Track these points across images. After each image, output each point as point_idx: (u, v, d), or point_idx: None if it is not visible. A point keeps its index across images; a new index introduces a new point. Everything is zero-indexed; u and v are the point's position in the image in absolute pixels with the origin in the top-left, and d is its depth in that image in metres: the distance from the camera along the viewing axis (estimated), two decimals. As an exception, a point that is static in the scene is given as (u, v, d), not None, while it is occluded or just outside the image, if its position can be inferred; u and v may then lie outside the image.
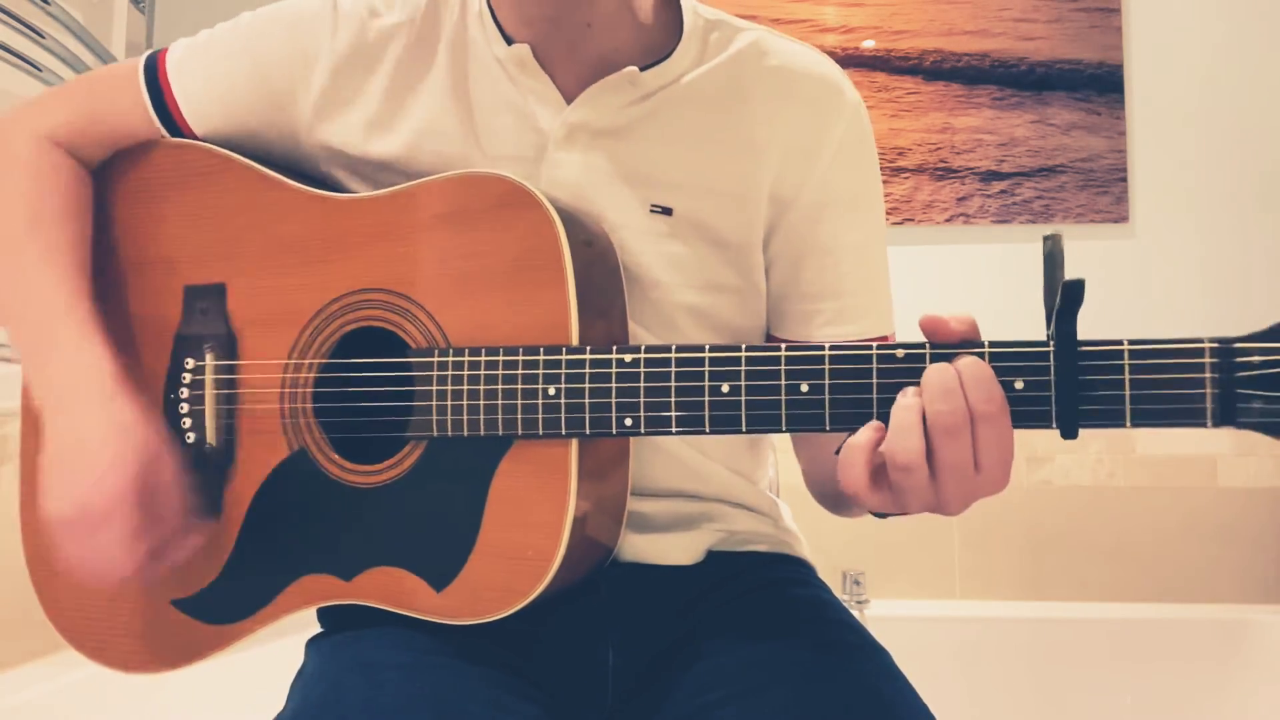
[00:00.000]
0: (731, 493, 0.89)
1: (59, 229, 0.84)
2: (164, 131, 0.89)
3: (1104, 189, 2.05)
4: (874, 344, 0.67)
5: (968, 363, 0.64)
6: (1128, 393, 0.62)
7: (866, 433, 0.66)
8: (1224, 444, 1.98)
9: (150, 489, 0.75)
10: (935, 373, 0.64)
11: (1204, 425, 0.62)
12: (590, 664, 0.82)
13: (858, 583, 1.98)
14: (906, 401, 0.64)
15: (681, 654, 0.81)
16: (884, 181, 2.05)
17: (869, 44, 2.12)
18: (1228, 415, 0.61)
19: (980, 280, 2.07)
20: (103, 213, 0.89)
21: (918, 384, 0.65)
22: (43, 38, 1.60)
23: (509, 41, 0.85)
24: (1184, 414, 0.62)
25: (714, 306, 0.86)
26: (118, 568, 0.75)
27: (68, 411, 0.78)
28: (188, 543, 0.79)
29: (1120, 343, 0.63)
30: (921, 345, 0.66)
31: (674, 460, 0.85)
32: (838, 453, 0.75)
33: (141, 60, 0.90)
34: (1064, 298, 0.61)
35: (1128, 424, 0.62)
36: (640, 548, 0.84)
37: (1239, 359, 0.61)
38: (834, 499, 0.90)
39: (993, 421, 0.63)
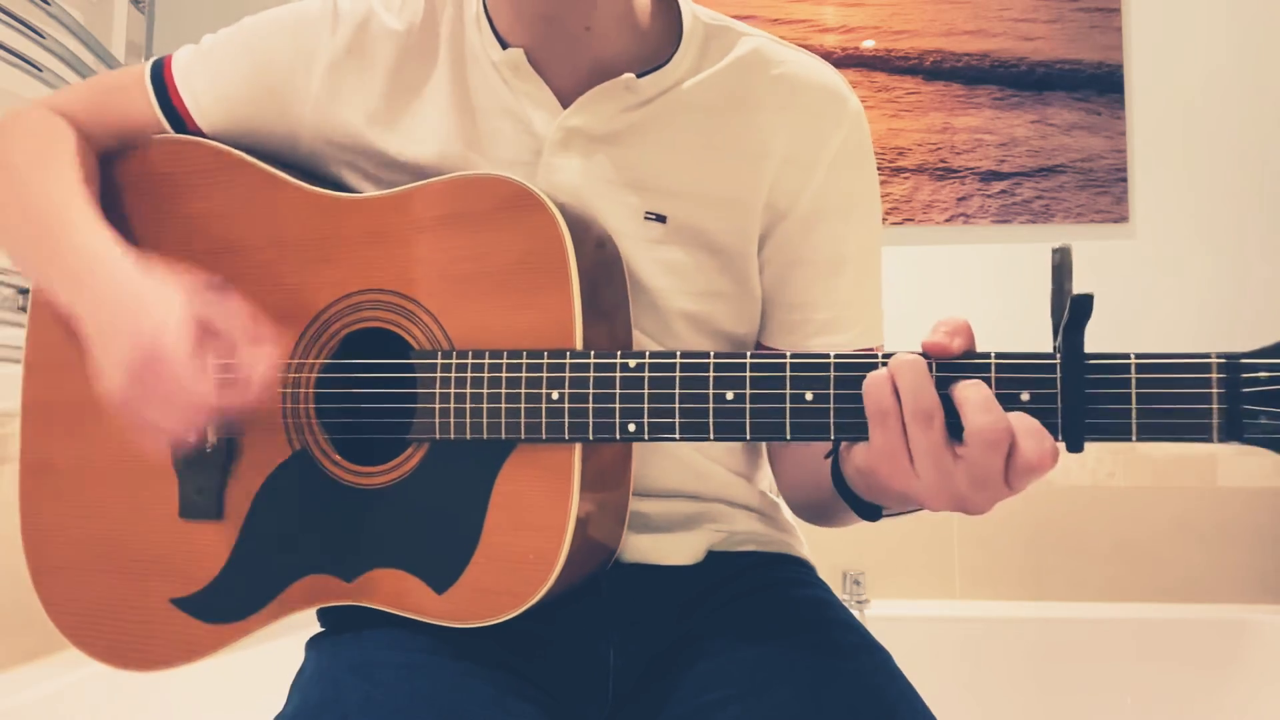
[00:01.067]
0: (732, 493, 0.89)
1: (67, 163, 0.85)
2: (170, 128, 0.90)
3: (1104, 189, 2.05)
4: (879, 354, 0.67)
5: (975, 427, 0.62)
6: (1134, 406, 0.62)
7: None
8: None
9: (209, 316, 0.74)
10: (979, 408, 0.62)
11: (1209, 440, 0.62)
12: (591, 664, 0.82)
13: (858, 583, 1.98)
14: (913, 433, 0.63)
15: (682, 654, 0.81)
16: (884, 182, 2.06)
17: (869, 44, 2.12)
18: (1234, 431, 0.61)
19: (980, 280, 2.07)
20: (105, 210, 0.88)
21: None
22: (43, 38, 1.60)
23: (504, 45, 0.85)
24: (1190, 429, 0.62)
25: (710, 313, 0.86)
26: (206, 388, 0.72)
27: (97, 287, 0.76)
28: (264, 354, 0.75)
29: (1127, 356, 0.62)
30: (926, 355, 0.66)
31: (675, 461, 0.85)
32: (828, 457, 0.75)
33: (147, 65, 0.91)
34: (1072, 311, 0.61)
35: (1134, 438, 0.62)
36: (641, 548, 0.84)
37: (1246, 374, 0.61)
38: (818, 508, 0.88)
39: (999, 445, 0.61)
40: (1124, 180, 2.05)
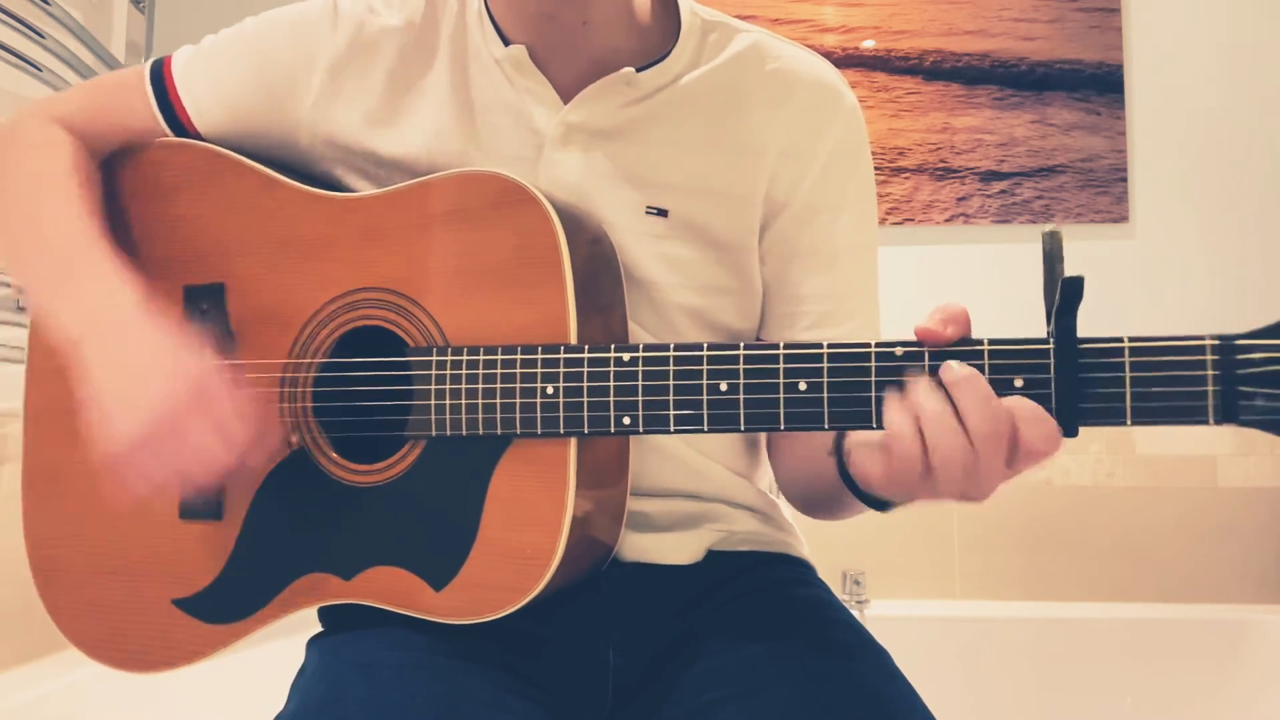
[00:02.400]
0: (731, 493, 0.89)
1: (73, 183, 0.85)
2: (169, 131, 0.89)
3: (1104, 189, 2.05)
4: (871, 342, 0.67)
5: (963, 387, 0.62)
6: (1128, 390, 0.62)
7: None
8: (1224, 444, 1.98)
9: (218, 384, 0.74)
10: (929, 401, 0.63)
11: (1205, 423, 0.61)
12: (591, 664, 0.82)
13: (858, 583, 1.98)
14: (896, 418, 0.64)
15: (682, 654, 0.81)
16: (884, 182, 2.06)
17: (869, 44, 2.12)
18: (1229, 412, 0.61)
19: (980, 280, 2.07)
20: (107, 215, 0.89)
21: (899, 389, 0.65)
22: (43, 38, 1.60)
23: (506, 42, 0.85)
24: (1185, 411, 0.62)
25: (712, 308, 0.86)
26: (209, 461, 0.73)
27: (104, 337, 0.76)
28: (273, 429, 0.77)
29: (1121, 340, 0.62)
30: (920, 343, 0.66)
31: (674, 460, 0.85)
32: (832, 455, 0.74)
33: (147, 66, 0.91)
34: (1064, 295, 0.61)
35: (1129, 421, 0.62)
36: (640, 547, 0.84)
37: (1240, 356, 0.61)
38: (820, 500, 0.88)
39: (1000, 439, 0.62)
40: (1124, 180, 2.05)
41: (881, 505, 0.73)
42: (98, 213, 0.85)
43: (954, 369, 0.63)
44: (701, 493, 0.88)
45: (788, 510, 0.97)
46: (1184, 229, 2.05)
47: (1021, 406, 0.62)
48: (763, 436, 0.95)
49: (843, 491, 0.74)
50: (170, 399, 0.72)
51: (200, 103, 0.89)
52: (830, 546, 1.92)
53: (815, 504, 0.88)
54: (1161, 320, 2.01)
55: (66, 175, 0.85)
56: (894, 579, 2.02)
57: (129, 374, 0.74)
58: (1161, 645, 1.86)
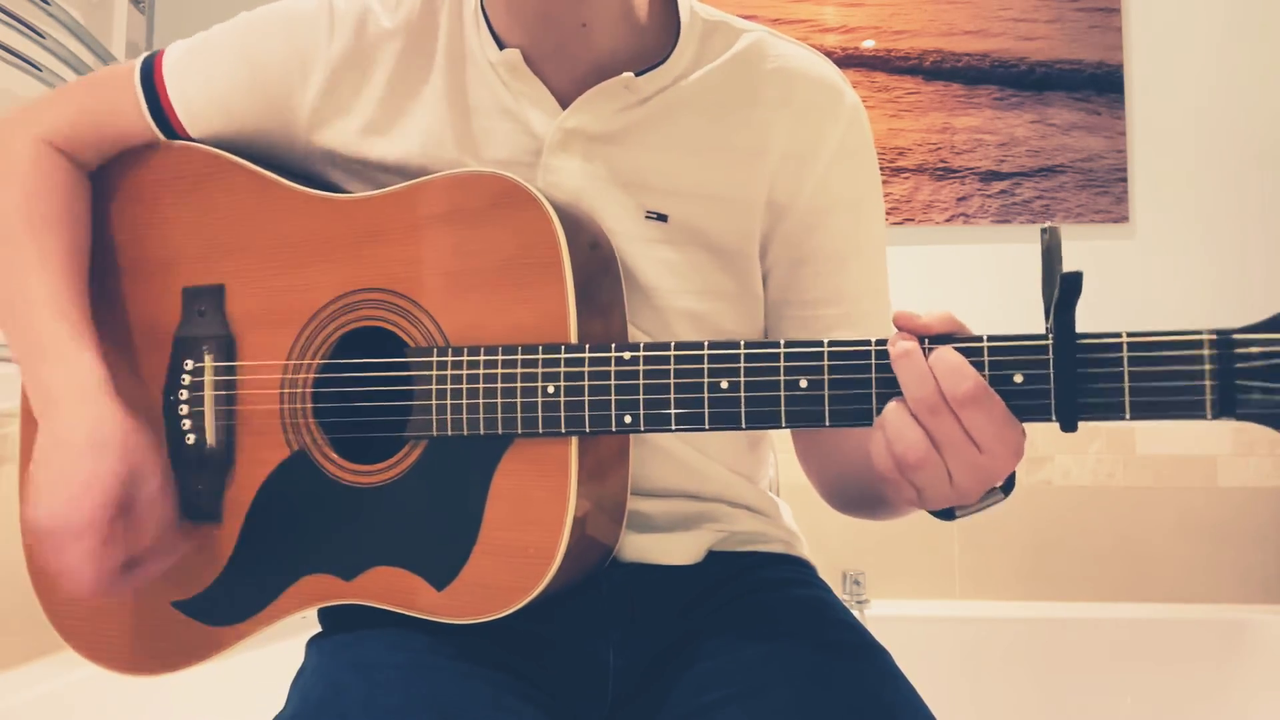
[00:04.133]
0: (732, 493, 0.89)
1: (55, 234, 0.84)
2: (159, 135, 0.89)
3: (1104, 189, 2.05)
4: (871, 340, 0.67)
5: (936, 356, 0.64)
6: (1127, 384, 0.62)
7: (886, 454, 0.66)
8: (1224, 444, 1.98)
9: (127, 504, 0.76)
10: (905, 369, 0.64)
11: (1203, 417, 0.62)
12: (591, 664, 0.82)
13: (858, 583, 1.98)
14: (891, 405, 0.65)
15: (682, 654, 0.81)
16: (884, 181, 2.05)
17: (869, 44, 2.12)
18: (1227, 406, 0.61)
19: (980, 280, 2.07)
20: (101, 215, 0.89)
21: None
22: (43, 38, 1.60)
23: (501, 45, 0.84)
24: (1183, 405, 0.62)
25: (711, 312, 0.85)
26: (87, 582, 0.76)
27: (53, 419, 0.79)
28: (169, 555, 0.80)
29: (1119, 335, 0.63)
30: (920, 340, 0.66)
31: (674, 460, 0.85)
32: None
33: (138, 63, 0.90)
34: (1062, 290, 0.61)
35: (1127, 416, 0.62)
36: (641, 547, 0.84)
37: (1238, 350, 0.61)
38: (862, 501, 0.87)
39: (975, 403, 0.63)
40: (1124, 180, 2.05)
41: (947, 512, 0.72)
42: (75, 263, 0.85)
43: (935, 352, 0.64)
44: (702, 493, 0.88)
45: (788, 511, 0.97)
46: (1184, 229, 2.05)
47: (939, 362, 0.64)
48: (764, 435, 0.95)
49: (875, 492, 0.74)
50: (69, 508, 0.75)
51: (191, 104, 0.87)
52: (830, 546, 1.92)
53: (860, 503, 0.88)
54: (1161, 320, 1.98)
55: (53, 225, 0.85)
56: (894, 579, 2.02)
57: (64, 460, 0.76)
58: (1161, 645, 1.86)
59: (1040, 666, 1.89)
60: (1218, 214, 2.04)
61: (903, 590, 2.02)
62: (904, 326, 0.66)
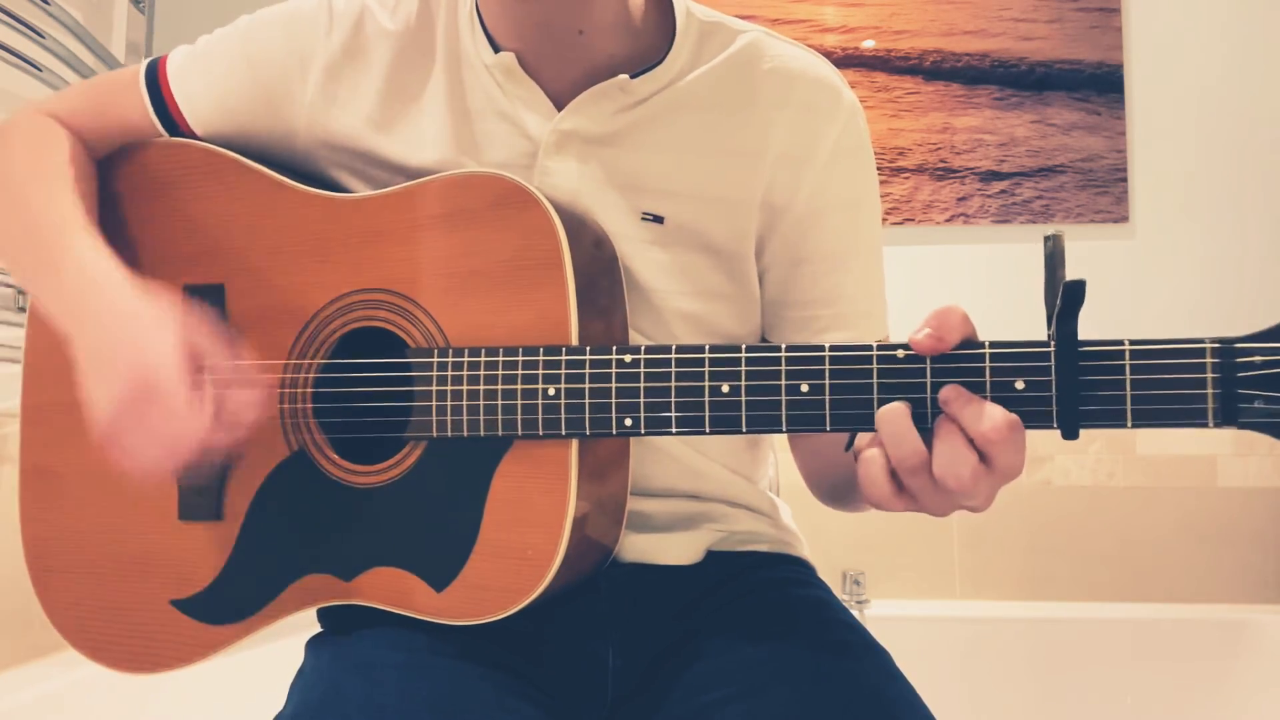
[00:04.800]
0: (731, 493, 0.89)
1: (65, 174, 0.85)
2: (164, 131, 0.89)
3: (1104, 189, 2.05)
4: (874, 345, 0.67)
5: (985, 419, 0.62)
6: (1129, 393, 0.62)
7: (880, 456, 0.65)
8: (1223, 444, 1.98)
9: (197, 349, 0.74)
10: (944, 443, 0.63)
11: (1205, 425, 0.62)
12: (590, 664, 0.82)
13: (858, 583, 1.98)
14: (897, 408, 0.64)
15: (681, 654, 0.81)
16: (884, 181, 2.06)
17: (869, 44, 2.12)
18: (1229, 415, 0.61)
19: (980, 280, 2.07)
20: (102, 212, 0.89)
21: (913, 385, 0.65)
22: (43, 38, 1.60)
23: (496, 48, 0.84)
24: (1185, 414, 0.62)
25: (709, 313, 0.85)
26: (195, 427, 0.72)
27: (87, 322, 0.76)
28: (249, 398, 0.76)
29: (1121, 343, 0.62)
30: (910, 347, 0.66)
31: (673, 460, 0.85)
32: (848, 449, 0.74)
33: (142, 66, 0.91)
34: (1065, 298, 0.61)
35: (1129, 424, 0.62)
36: (640, 548, 0.84)
37: (1240, 359, 0.61)
38: (837, 492, 0.89)
39: (1004, 443, 0.62)
40: (1124, 180, 2.05)
41: None
42: (88, 201, 0.84)
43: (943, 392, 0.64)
44: (701, 493, 0.88)
45: (788, 511, 0.97)
46: (1184, 229, 2.05)
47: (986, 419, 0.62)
48: (765, 436, 0.95)
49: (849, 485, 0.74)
50: (139, 371, 0.71)
51: (195, 103, 0.88)
52: (830, 546, 1.92)
53: (837, 495, 0.89)
54: (1161, 320, 2.01)
55: (59, 166, 0.85)
56: (894, 579, 2.02)
57: (108, 353, 0.74)
58: (1161, 645, 1.86)
59: (1040, 666, 1.89)
60: (1218, 214, 2.04)
61: (903, 590, 2.02)
62: (928, 352, 0.65)
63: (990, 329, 0.66)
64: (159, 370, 0.71)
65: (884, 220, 2.07)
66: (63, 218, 0.81)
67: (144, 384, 0.71)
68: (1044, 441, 1.98)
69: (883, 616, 1.91)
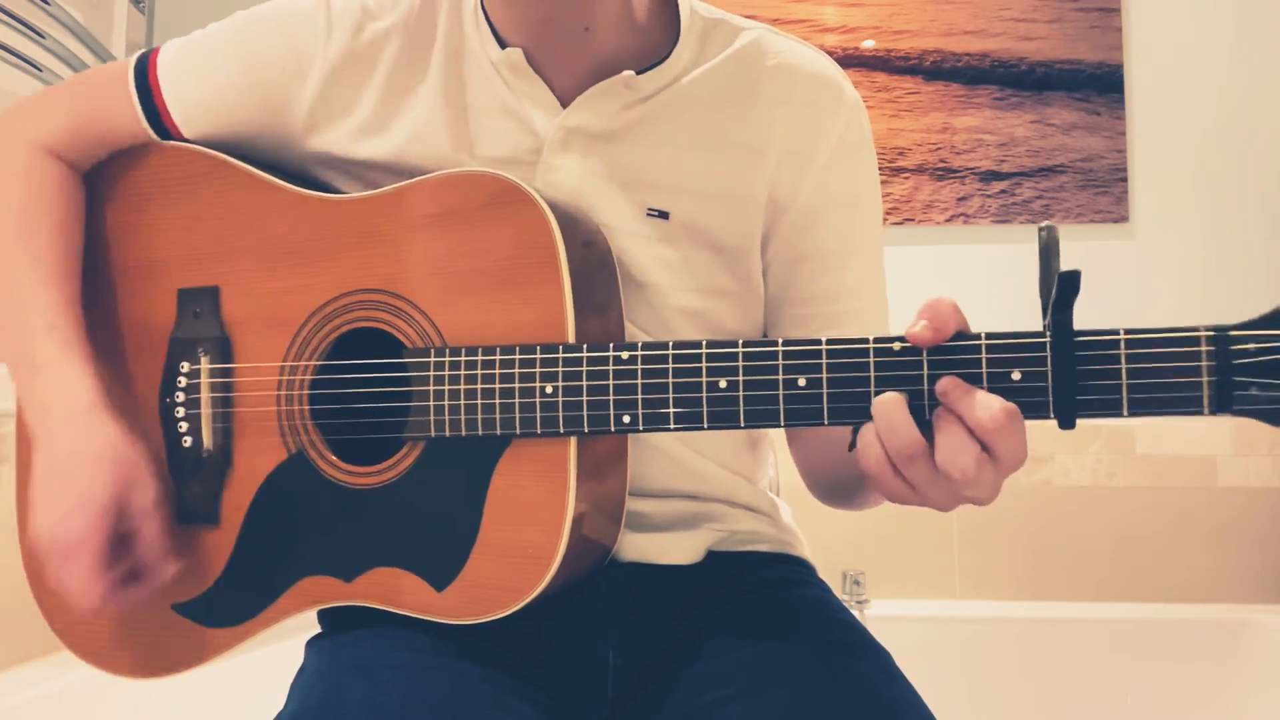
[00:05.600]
0: (731, 493, 0.89)
1: (49, 243, 0.84)
2: (154, 136, 0.88)
3: (1104, 189, 2.05)
4: (870, 338, 0.67)
5: (978, 404, 0.62)
6: (1124, 381, 0.62)
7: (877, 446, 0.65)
8: (1223, 444, 1.98)
9: (123, 516, 0.76)
10: (946, 436, 0.63)
11: (1200, 413, 0.62)
12: (590, 664, 0.82)
13: (858, 583, 1.98)
14: (892, 398, 0.64)
15: (681, 654, 0.81)
16: (884, 181, 2.05)
17: (869, 44, 2.12)
18: (1224, 402, 0.61)
19: (980, 280, 2.07)
20: (96, 217, 0.88)
21: (910, 377, 0.65)
22: (43, 38, 1.60)
23: (502, 44, 0.84)
24: (1181, 402, 0.62)
25: (711, 310, 0.85)
26: (87, 599, 0.76)
27: (48, 434, 0.79)
28: (169, 567, 0.79)
29: (1116, 332, 0.63)
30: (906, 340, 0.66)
31: (673, 461, 0.85)
32: (852, 449, 0.74)
33: (132, 62, 0.89)
34: (1060, 288, 0.61)
35: (1125, 413, 0.63)
36: (640, 547, 0.84)
37: (1235, 346, 0.61)
38: (837, 491, 0.89)
39: (1009, 446, 0.62)
40: (1124, 180, 2.05)
41: None
42: (69, 269, 0.85)
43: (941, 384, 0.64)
44: (701, 493, 0.88)
45: (788, 511, 0.97)
46: (1184, 229, 2.04)
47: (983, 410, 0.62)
48: (764, 434, 0.95)
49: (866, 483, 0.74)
50: (63, 522, 0.75)
51: (186, 104, 0.87)
52: (830, 546, 1.92)
53: (834, 493, 0.89)
54: (1161, 320, 1.99)
55: (46, 231, 0.85)
56: (894, 579, 2.02)
57: (50, 481, 0.77)
58: (1161, 645, 1.86)
59: (1040, 666, 1.89)
60: (1218, 214, 2.04)
61: (903, 590, 2.02)
62: (926, 344, 0.65)
63: (991, 329, 0.66)
64: (77, 529, 0.75)
65: (884, 220, 2.08)
66: (52, 315, 0.82)
67: (63, 537, 0.75)
68: (1044, 441, 1.98)
69: (883, 616, 1.91)
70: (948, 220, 2.08)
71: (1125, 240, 2.05)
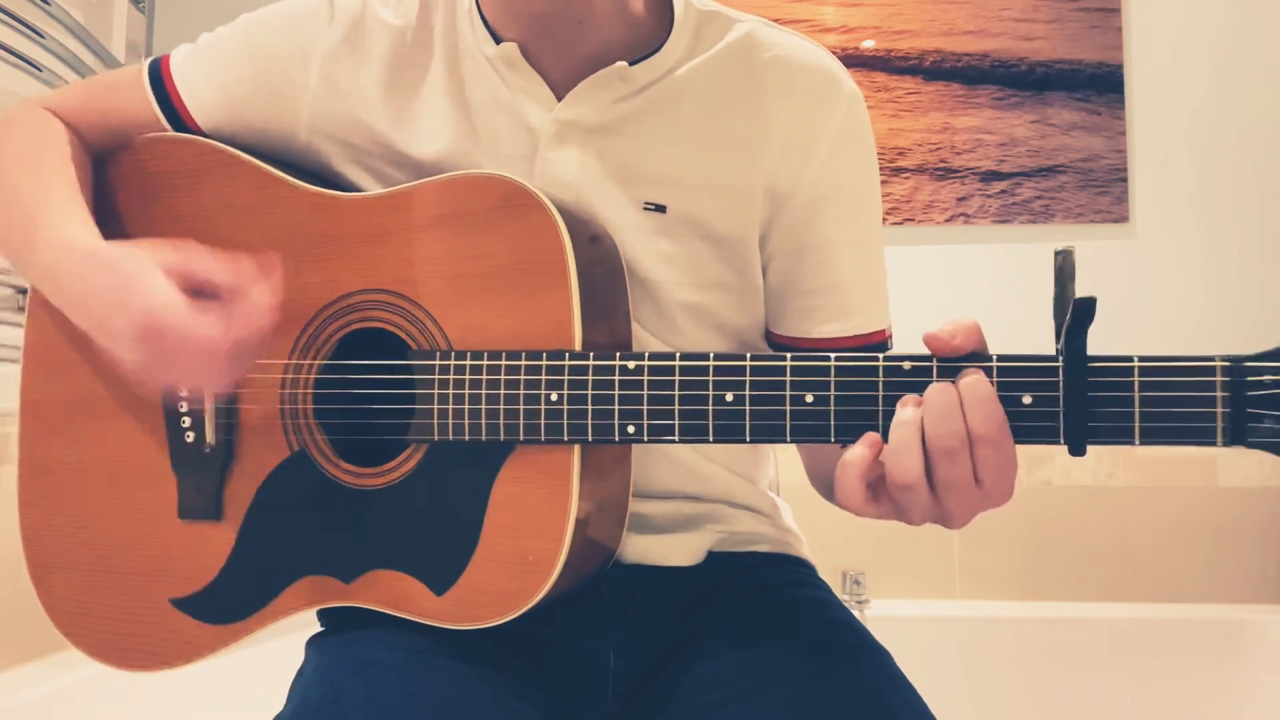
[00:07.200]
0: (732, 493, 0.89)
1: (53, 162, 0.85)
2: (168, 126, 0.89)
3: (1104, 189, 2.05)
4: (880, 356, 0.67)
5: (969, 382, 0.63)
6: (1137, 410, 0.62)
7: (860, 449, 0.66)
8: (1224, 444, 1.98)
9: (183, 276, 0.73)
10: (937, 394, 0.63)
11: (1213, 444, 0.61)
12: (591, 665, 0.82)
13: (858, 583, 1.98)
14: (905, 416, 0.64)
15: (682, 655, 0.81)
16: (884, 181, 2.06)
17: (869, 44, 2.12)
18: (1238, 434, 0.61)
19: (980, 280, 2.07)
20: (100, 210, 0.88)
21: (918, 394, 0.65)
22: (43, 38, 1.60)
23: (497, 39, 0.85)
24: (1194, 432, 0.62)
25: (712, 304, 0.85)
26: (215, 339, 0.71)
27: (72, 279, 0.76)
28: (266, 292, 0.75)
29: (1130, 359, 0.62)
30: (928, 358, 0.66)
31: (674, 462, 0.85)
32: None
33: (145, 64, 0.91)
34: (1075, 315, 0.61)
35: (1136, 441, 0.62)
36: (641, 549, 0.84)
37: (1250, 377, 0.60)
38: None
39: (992, 443, 0.63)
40: (1124, 180, 2.05)
41: None
42: (79, 184, 0.84)
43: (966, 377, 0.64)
44: (702, 494, 0.88)
45: (789, 511, 0.97)
46: (1184, 229, 2.04)
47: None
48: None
49: None
50: (136, 317, 0.71)
51: (198, 95, 0.89)
52: (830, 546, 1.92)
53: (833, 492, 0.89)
54: (1161, 320, 2.00)
55: (50, 154, 0.85)
56: (894, 579, 2.02)
57: (100, 313, 0.74)
58: (1161, 645, 1.86)
59: (1040, 666, 1.89)
60: (1218, 214, 2.04)
61: (903, 590, 2.02)
62: (938, 350, 0.65)
63: (992, 329, 0.66)
64: (154, 307, 0.71)
65: (884, 220, 2.08)
66: (46, 197, 0.82)
67: (147, 326, 0.71)
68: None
69: (883, 616, 1.91)
70: (948, 220, 2.08)
71: (1125, 240, 2.05)
